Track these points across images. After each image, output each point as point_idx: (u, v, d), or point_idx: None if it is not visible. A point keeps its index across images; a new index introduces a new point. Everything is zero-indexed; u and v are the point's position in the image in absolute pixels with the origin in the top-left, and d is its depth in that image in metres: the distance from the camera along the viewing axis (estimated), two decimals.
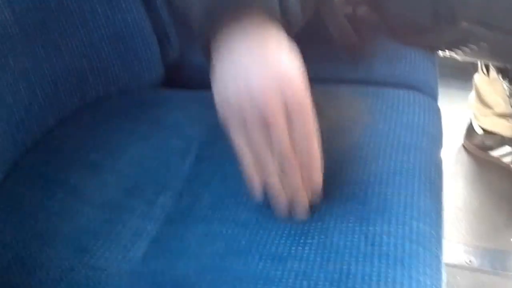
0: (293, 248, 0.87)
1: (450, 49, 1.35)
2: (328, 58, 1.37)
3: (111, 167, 1.07)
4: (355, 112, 1.14)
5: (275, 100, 0.76)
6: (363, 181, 0.97)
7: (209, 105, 1.23)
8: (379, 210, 0.91)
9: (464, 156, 2.13)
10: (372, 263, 0.81)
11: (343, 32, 1.32)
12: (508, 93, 1.78)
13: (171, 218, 0.99)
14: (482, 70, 1.91)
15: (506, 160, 2.03)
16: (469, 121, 2.12)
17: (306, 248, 0.86)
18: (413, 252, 0.84)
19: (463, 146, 2.15)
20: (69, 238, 0.93)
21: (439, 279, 0.83)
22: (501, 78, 1.78)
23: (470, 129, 2.11)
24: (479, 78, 1.95)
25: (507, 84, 1.75)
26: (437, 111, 1.23)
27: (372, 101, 1.19)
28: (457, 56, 1.36)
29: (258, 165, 0.82)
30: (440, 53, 1.40)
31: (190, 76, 1.43)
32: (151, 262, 0.91)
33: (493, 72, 1.85)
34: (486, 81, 1.91)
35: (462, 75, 2.12)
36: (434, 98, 1.33)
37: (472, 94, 2.01)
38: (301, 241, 0.88)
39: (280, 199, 0.85)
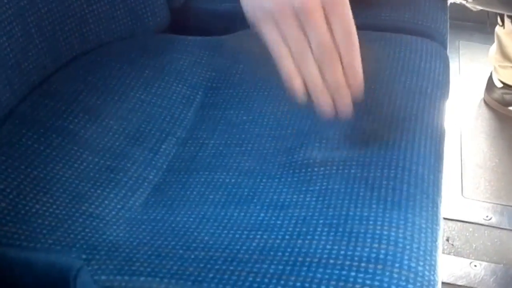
0: (295, 195, 0.86)
1: None
2: None
3: (113, 113, 1.05)
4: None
5: None
6: (366, 127, 0.96)
7: (216, 50, 1.22)
8: (380, 154, 0.90)
9: (484, 111, 2.09)
10: (371, 207, 0.81)
11: None
12: None
13: (173, 167, 0.98)
14: (498, 22, 1.86)
15: None
16: (489, 74, 2.07)
17: (308, 195, 0.85)
18: (410, 195, 0.83)
19: (484, 100, 2.11)
20: (66, 184, 0.91)
21: (435, 222, 0.82)
22: None
23: (490, 83, 2.07)
24: (500, 30, 1.90)
25: None
26: (445, 58, 1.19)
27: (379, 46, 1.16)
28: (468, 5, 1.33)
29: (297, 63, 0.77)
30: (451, 1, 1.36)
31: (196, 22, 1.41)
32: (151, 210, 0.89)
33: (508, 24, 1.81)
34: (507, 33, 1.86)
35: (485, 28, 2.08)
36: (443, 45, 1.30)
37: (494, 46, 1.97)
38: (303, 188, 0.86)
39: (323, 97, 0.79)
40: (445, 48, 1.27)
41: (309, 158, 0.91)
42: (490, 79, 2.07)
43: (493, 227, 1.67)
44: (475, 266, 1.57)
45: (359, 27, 1.15)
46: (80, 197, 0.89)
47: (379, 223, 0.78)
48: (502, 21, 1.83)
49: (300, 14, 0.73)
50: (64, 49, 1.17)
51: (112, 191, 0.91)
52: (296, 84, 0.79)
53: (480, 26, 2.41)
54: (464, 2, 1.36)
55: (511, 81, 1.98)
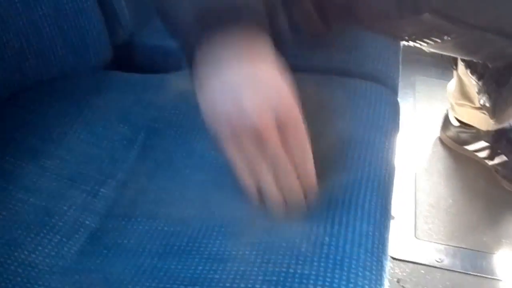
0: (235, 248, 0.82)
1: (413, 41, 1.31)
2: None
3: (51, 153, 1.01)
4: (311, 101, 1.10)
5: (267, 117, 0.76)
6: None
7: (159, 88, 1.18)
8: (323, 210, 0.87)
9: (440, 149, 2.08)
10: (312, 265, 0.78)
11: (309, 19, 1.27)
12: (477, 89, 1.73)
13: (112, 212, 0.94)
14: (454, 62, 1.86)
15: (480, 155, 1.98)
16: (446, 112, 2.07)
17: (248, 248, 0.82)
18: (354, 254, 0.80)
19: (439, 138, 2.11)
20: None
21: (379, 283, 0.79)
22: (469, 74, 1.74)
23: (447, 121, 2.06)
24: (461, 68, 1.90)
25: (475, 80, 1.70)
26: (395, 104, 1.18)
27: (327, 90, 1.14)
28: (422, 47, 1.33)
29: (253, 173, 0.81)
30: (405, 43, 1.36)
31: (141, 58, 1.37)
32: (86, 259, 0.85)
33: (461, 67, 1.81)
34: (464, 74, 1.86)
35: (441, 63, 2.08)
36: (394, 90, 1.29)
37: (452, 82, 1.96)
38: (244, 240, 0.83)
39: (277, 202, 0.83)
40: (396, 94, 1.25)
41: (251, 210, 0.88)
42: (447, 117, 2.06)
43: (446, 269, 1.65)
44: None
45: (307, 69, 1.14)
46: (12, 241, 0.85)
47: (319, 283, 0.75)
48: (456, 64, 1.83)
49: (254, 133, 0.76)
50: (2, 85, 1.12)
51: (46, 236, 0.87)
52: (252, 191, 0.82)
53: (437, 61, 2.41)
54: (418, 45, 1.35)
55: (468, 119, 1.97)
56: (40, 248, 0.85)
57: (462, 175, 1.98)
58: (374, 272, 0.79)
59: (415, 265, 1.66)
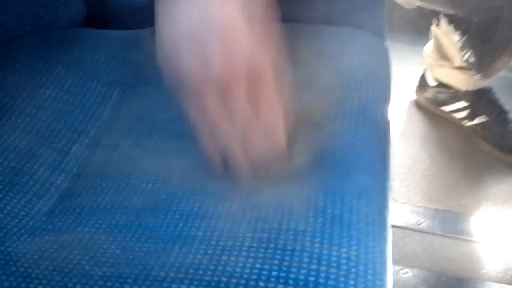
0: (219, 205, 0.78)
1: None
2: None
3: (20, 110, 0.96)
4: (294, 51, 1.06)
5: (234, 69, 0.70)
6: (301, 128, 0.87)
7: (133, 45, 1.14)
8: (316, 160, 0.82)
9: (415, 112, 2.07)
10: (307, 221, 0.72)
11: None
12: (460, 45, 1.71)
13: (84, 170, 0.90)
14: (436, 21, 1.84)
15: (459, 115, 1.97)
16: (422, 73, 2.05)
17: (234, 206, 0.77)
18: (354, 207, 0.75)
19: (415, 101, 2.09)
20: None
21: (384, 239, 0.74)
22: (453, 29, 1.72)
23: (423, 82, 2.05)
24: (436, 28, 1.88)
25: (459, 35, 1.69)
26: (385, 51, 1.15)
27: (314, 39, 1.10)
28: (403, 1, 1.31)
29: (217, 138, 0.76)
30: None
31: (114, 16, 1.33)
32: (57, 218, 0.81)
33: (444, 24, 1.78)
34: (444, 33, 1.84)
35: (412, 28, 2.06)
36: (382, 37, 1.24)
37: (429, 44, 1.95)
38: (229, 197, 0.79)
39: (244, 168, 0.78)
40: (383, 40, 1.22)
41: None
42: (423, 78, 2.05)
43: (425, 232, 1.63)
44: (406, 273, 1.52)
45: (293, 20, 1.10)
46: None
47: (317, 239, 0.70)
48: (438, 20, 1.81)
49: (219, 87, 0.71)
50: None
51: (15, 196, 0.83)
52: (215, 157, 0.79)
53: (408, 27, 2.39)
54: None
55: (447, 79, 1.96)
56: (8, 207, 0.81)
57: (439, 137, 1.97)
58: (377, 227, 0.74)
59: (394, 228, 1.63)
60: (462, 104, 1.95)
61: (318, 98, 0.94)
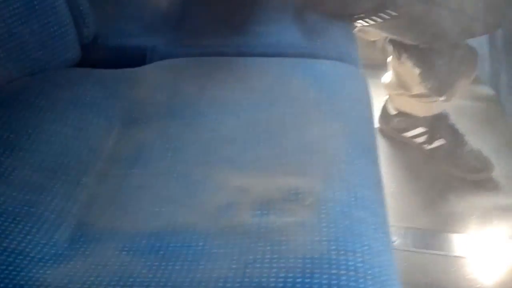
0: (235, 222, 0.83)
1: (367, 17, 1.36)
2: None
3: (28, 146, 1.00)
4: (283, 83, 1.12)
5: None
6: (298, 150, 0.95)
7: (130, 82, 1.19)
8: (320, 178, 0.88)
9: (379, 139, 2.12)
10: (321, 231, 0.78)
11: None
12: (419, 74, 1.78)
13: (97, 200, 0.94)
14: (394, 54, 1.91)
15: (419, 140, 2.04)
16: (383, 103, 2.12)
17: (248, 222, 0.83)
18: (361, 218, 0.81)
19: (379, 129, 2.15)
20: None
21: (388, 242, 0.82)
22: (411, 59, 1.79)
23: (385, 111, 2.11)
24: (393, 60, 1.95)
25: (418, 66, 1.76)
26: (363, 79, 1.21)
27: (296, 71, 1.16)
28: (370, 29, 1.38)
29: None
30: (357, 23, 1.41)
31: (105, 58, 1.37)
32: (79, 244, 0.85)
33: (403, 56, 1.85)
34: (400, 63, 1.91)
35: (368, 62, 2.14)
36: (358, 67, 1.31)
37: (387, 75, 2.01)
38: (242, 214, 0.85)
39: None
40: (359, 70, 1.29)
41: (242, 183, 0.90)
42: (384, 108, 2.11)
43: (398, 249, 1.68)
44: None
45: (272, 55, 1.16)
46: (0, 233, 0.84)
47: (333, 247, 0.75)
48: (397, 53, 1.87)
49: None
50: None
51: (34, 226, 0.87)
52: None
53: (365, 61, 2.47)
54: (368, 24, 1.41)
55: (405, 107, 2.02)
56: (29, 237, 0.85)
57: (403, 161, 2.03)
58: (383, 234, 0.81)
59: None
60: (421, 129, 2.03)
61: (311, 123, 1.01)
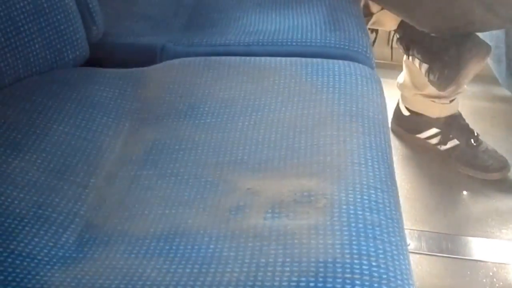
0: (244, 225, 0.82)
1: None
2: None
3: (36, 146, 1.00)
4: (295, 83, 1.11)
5: None
6: (311, 151, 0.94)
7: (139, 82, 1.18)
8: (334, 180, 0.87)
9: (393, 140, 2.10)
10: (334, 235, 0.77)
11: None
12: (424, 71, 1.78)
13: (106, 201, 0.93)
14: (403, 50, 1.90)
15: (433, 141, 2.02)
16: (396, 104, 2.10)
17: (260, 225, 0.81)
18: (375, 221, 0.80)
19: (392, 130, 2.14)
20: None
21: (403, 246, 0.81)
22: (416, 55, 1.79)
23: (398, 112, 2.10)
24: (406, 60, 1.94)
25: (422, 60, 1.76)
26: (377, 80, 1.20)
27: (309, 72, 1.15)
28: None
29: None
30: None
31: (114, 56, 1.37)
32: (87, 247, 0.84)
33: (412, 51, 1.85)
34: (412, 62, 1.90)
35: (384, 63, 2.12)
36: (372, 68, 1.30)
37: (402, 75, 2.00)
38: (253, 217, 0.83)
39: None
40: (374, 70, 1.27)
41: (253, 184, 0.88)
42: (398, 108, 2.10)
43: (412, 253, 1.67)
44: None
45: (285, 54, 1.15)
46: (6, 234, 0.84)
47: (347, 251, 0.74)
48: (409, 51, 1.86)
49: None
50: None
51: (41, 228, 0.86)
52: None
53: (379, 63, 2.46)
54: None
55: (418, 108, 2.01)
56: (36, 239, 0.84)
57: (416, 162, 2.01)
58: (397, 237, 0.80)
59: None
60: (434, 130, 2.01)
61: (324, 124, 0.99)
